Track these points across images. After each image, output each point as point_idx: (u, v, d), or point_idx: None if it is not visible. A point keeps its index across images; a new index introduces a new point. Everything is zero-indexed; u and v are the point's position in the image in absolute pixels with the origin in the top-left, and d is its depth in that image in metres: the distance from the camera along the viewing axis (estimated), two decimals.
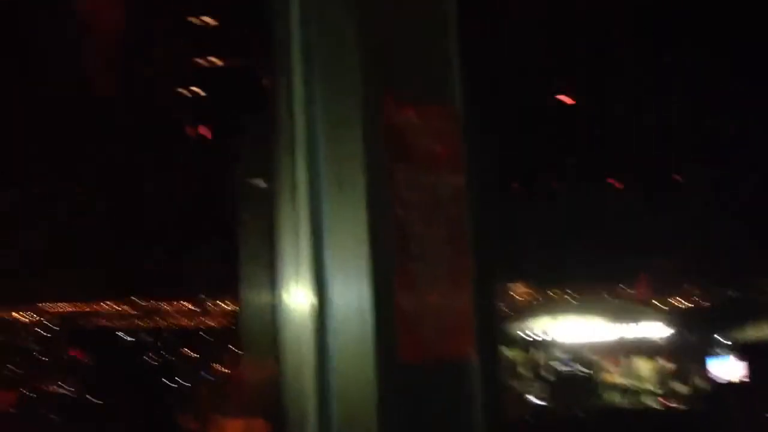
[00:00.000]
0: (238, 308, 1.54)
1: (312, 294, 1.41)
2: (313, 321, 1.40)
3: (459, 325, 1.54)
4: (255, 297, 1.53)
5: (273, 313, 1.45)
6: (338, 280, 1.40)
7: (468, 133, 1.61)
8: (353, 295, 1.38)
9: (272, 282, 1.46)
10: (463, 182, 1.59)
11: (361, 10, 1.48)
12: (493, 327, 1.59)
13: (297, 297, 1.43)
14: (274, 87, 1.49)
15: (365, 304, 1.36)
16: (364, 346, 1.36)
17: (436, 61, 1.61)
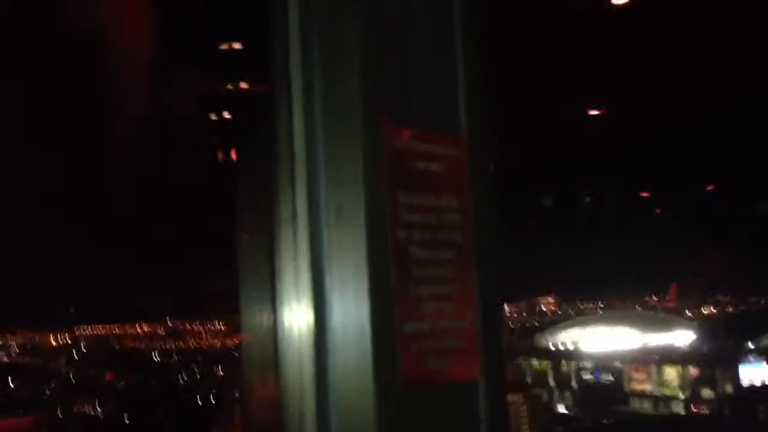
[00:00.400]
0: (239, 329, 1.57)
1: (311, 315, 1.43)
2: (312, 342, 1.42)
3: (463, 347, 1.55)
4: (255, 317, 1.55)
5: (273, 333, 1.47)
6: (338, 303, 1.41)
7: (473, 160, 1.62)
8: (353, 318, 1.39)
9: (272, 303, 1.48)
10: (467, 207, 1.60)
11: (364, 31, 1.48)
12: (498, 349, 1.60)
13: (297, 318, 1.45)
14: (274, 109, 1.51)
15: (365, 326, 1.37)
16: (363, 368, 1.37)
17: (442, 86, 1.62)
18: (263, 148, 1.55)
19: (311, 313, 1.42)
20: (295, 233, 1.45)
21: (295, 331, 1.44)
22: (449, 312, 1.51)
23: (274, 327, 1.47)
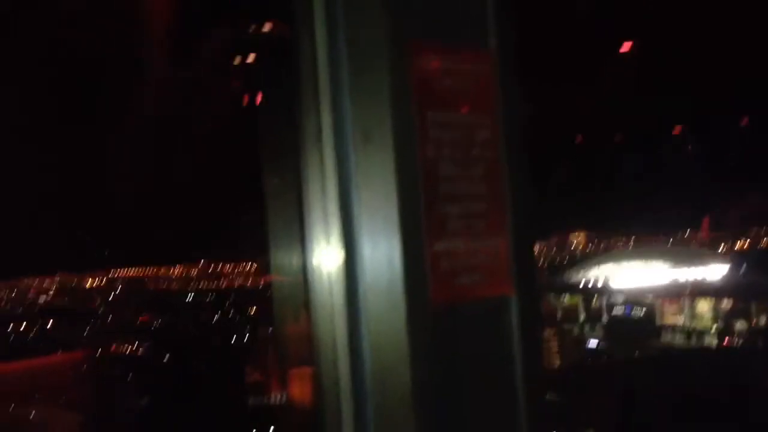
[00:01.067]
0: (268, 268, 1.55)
1: (340, 237, 1.41)
2: (342, 264, 1.41)
3: (495, 264, 1.54)
4: (284, 238, 1.54)
5: (303, 257, 1.46)
6: (366, 224, 1.40)
7: (504, 77, 1.58)
8: (382, 237, 1.38)
9: (300, 224, 1.47)
10: (497, 123, 1.57)
11: None
12: (531, 266, 1.59)
13: (325, 244, 1.44)
14: (296, 34, 1.47)
15: (394, 245, 1.36)
16: (394, 287, 1.37)
17: (469, 1, 1.58)
18: (288, 79, 1.52)
19: (340, 234, 1.41)
20: (321, 158, 1.43)
21: (324, 257, 1.43)
22: (480, 229, 1.50)
23: (303, 250, 1.46)
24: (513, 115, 1.57)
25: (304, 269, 1.48)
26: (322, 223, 1.44)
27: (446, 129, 1.46)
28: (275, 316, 1.57)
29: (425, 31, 1.45)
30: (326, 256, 1.44)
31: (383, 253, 1.38)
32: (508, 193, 1.55)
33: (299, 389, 1.67)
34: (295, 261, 1.49)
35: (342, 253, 1.41)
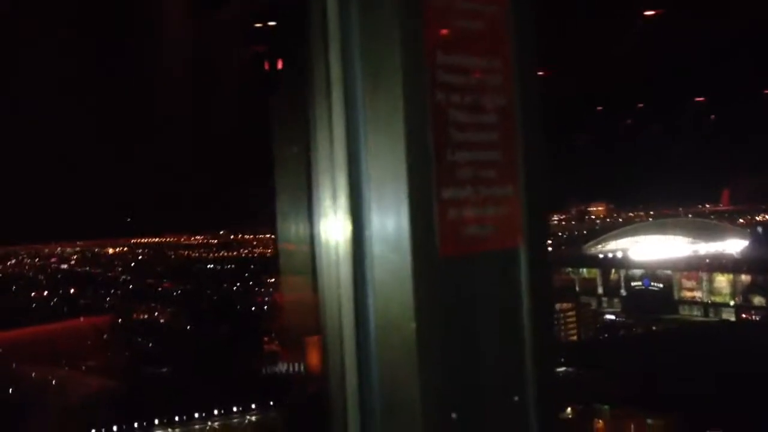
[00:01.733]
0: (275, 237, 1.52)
1: (346, 183, 1.38)
2: (347, 208, 1.37)
3: (505, 215, 1.49)
4: (291, 183, 1.50)
5: (309, 199, 1.42)
6: (373, 170, 1.35)
7: (518, 21, 1.52)
8: (389, 183, 1.33)
9: (307, 171, 1.43)
10: (511, 68, 1.51)
11: None
12: (541, 217, 1.54)
13: (331, 189, 1.40)
14: None
15: (401, 190, 1.32)
16: (400, 233, 1.33)
17: None
18: (298, 27, 1.47)
19: (346, 181, 1.37)
20: (330, 105, 1.39)
21: (331, 205, 1.40)
22: (491, 178, 1.45)
23: (310, 198, 1.42)
24: (527, 61, 1.51)
25: (311, 220, 1.44)
26: (329, 173, 1.40)
27: (457, 73, 1.41)
28: (281, 287, 1.54)
29: None
30: (333, 204, 1.40)
31: (391, 201, 1.34)
32: (521, 142, 1.49)
33: (308, 355, 1.64)
34: (301, 212, 1.46)
35: (348, 200, 1.38)
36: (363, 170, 1.38)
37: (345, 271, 1.41)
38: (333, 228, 1.42)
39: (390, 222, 1.35)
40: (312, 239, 1.45)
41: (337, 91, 1.38)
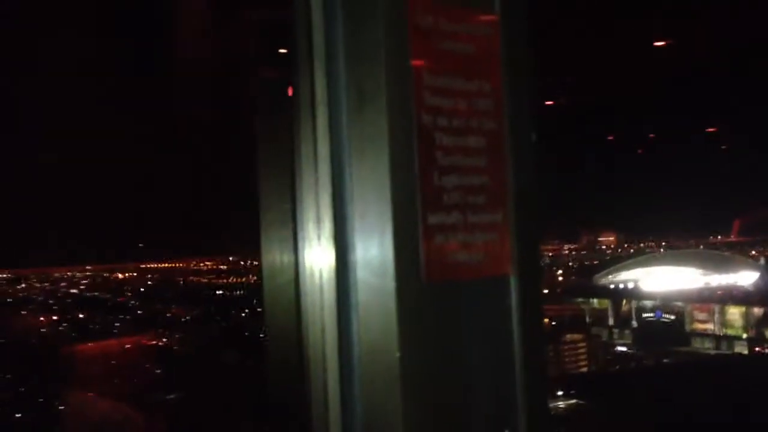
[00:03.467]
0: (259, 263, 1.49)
1: (329, 201, 1.35)
2: (331, 232, 1.34)
3: (494, 241, 1.46)
4: (275, 198, 1.46)
5: (292, 212, 1.39)
6: (357, 189, 1.32)
7: (508, 40, 1.50)
8: (373, 204, 1.30)
9: (292, 184, 1.40)
10: (501, 92, 1.48)
11: None
12: (533, 244, 1.50)
13: (314, 209, 1.38)
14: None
15: (385, 214, 1.28)
16: (384, 259, 1.29)
17: None
18: (282, 41, 1.45)
19: (330, 203, 1.34)
20: (314, 126, 1.37)
21: (314, 225, 1.37)
22: (479, 204, 1.42)
23: (294, 216, 1.39)
24: (520, 85, 1.48)
25: (295, 244, 1.41)
26: (313, 196, 1.37)
27: (445, 96, 1.38)
28: (264, 316, 1.50)
29: None
30: (317, 227, 1.37)
31: (374, 225, 1.30)
32: (512, 167, 1.46)
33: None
34: (285, 232, 1.42)
35: (332, 223, 1.34)
36: (347, 193, 1.35)
37: (329, 296, 1.37)
38: (317, 252, 1.39)
39: (374, 247, 1.31)
40: (296, 263, 1.42)
41: (322, 112, 1.36)
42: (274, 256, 1.45)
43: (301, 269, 1.41)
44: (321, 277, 1.37)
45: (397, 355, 1.28)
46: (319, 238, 1.37)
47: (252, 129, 1.43)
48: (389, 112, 1.29)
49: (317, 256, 1.38)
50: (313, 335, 1.38)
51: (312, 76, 1.36)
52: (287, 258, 1.43)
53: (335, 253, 1.35)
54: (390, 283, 1.28)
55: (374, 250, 1.30)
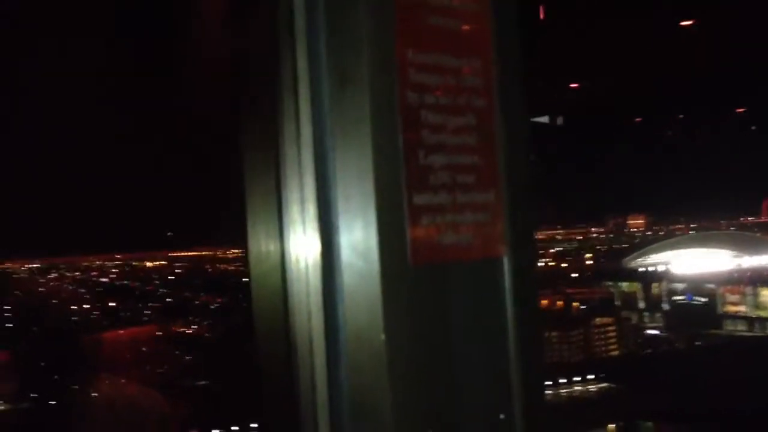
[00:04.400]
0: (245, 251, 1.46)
1: (312, 183, 1.31)
2: (314, 214, 1.31)
3: (486, 222, 1.41)
4: (260, 184, 1.43)
5: (277, 199, 1.36)
6: (340, 171, 1.29)
7: (498, 14, 1.45)
8: (355, 186, 1.26)
9: (276, 173, 1.36)
10: (491, 68, 1.44)
11: None
12: (527, 224, 1.46)
13: (298, 192, 1.34)
14: None
15: (368, 194, 1.25)
16: (367, 240, 1.25)
17: None
18: (264, 29, 1.41)
19: (313, 184, 1.31)
20: (297, 106, 1.33)
21: (297, 206, 1.33)
22: (469, 183, 1.37)
23: (279, 198, 1.36)
24: (510, 61, 1.43)
25: (280, 226, 1.38)
26: (297, 177, 1.34)
27: (431, 72, 1.33)
28: (251, 305, 1.46)
29: None
30: (301, 209, 1.34)
31: (358, 206, 1.26)
32: (503, 146, 1.41)
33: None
34: (271, 217, 1.39)
35: (316, 205, 1.31)
36: (330, 174, 1.31)
37: (314, 281, 1.34)
38: (302, 234, 1.35)
39: (357, 228, 1.28)
40: (281, 247, 1.39)
41: (304, 89, 1.32)
42: (259, 240, 1.42)
43: (286, 254, 1.38)
44: (306, 261, 1.34)
45: (382, 338, 1.25)
46: (303, 221, 1.34)
47: (236, 114, 1.40)
48: (371, 89, 1.25)
49: (302, 240, 1.35)
50: (299, 320, 1.35)
51: (294, 55, 1.32)
52: (273, 242, 1.39)
53: (320, 237, 1.31)
54: (374, 266, 1.25)
55: (358, 233, 1.27)
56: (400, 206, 1.28)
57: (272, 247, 1.40)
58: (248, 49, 1.42)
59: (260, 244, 1.43)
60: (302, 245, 1.36)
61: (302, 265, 1.36)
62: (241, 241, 1.45)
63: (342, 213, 1.30)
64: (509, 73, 1.45)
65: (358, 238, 1.28)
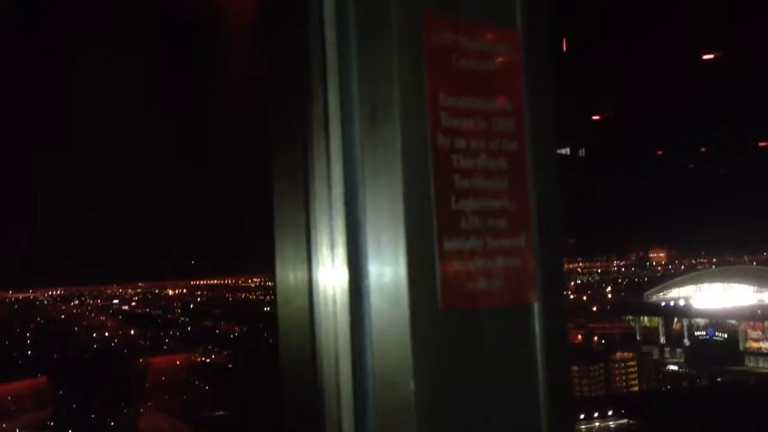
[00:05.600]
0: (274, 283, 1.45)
1: (343, 224, 1.30)
2: (345, 256, 1.30)
3: (516, 268, 1.39)
4: (288, 214, 1.42)
5: (307, 259, 1.35)
6: (371, 213, 1.27)
7: (531, 58, 1.44)
8: (386, 230, 1.25)
9: (305, 207, 1.36)
10: (523, 112, 1.42)
11: None
12: (558, 271, 1.44)
13: (327, 231, 1.33)
14: (303, 7, 1.37)
15: (399, 240, 1.23)
16: (397, 286, 1.24)
17: None
18: (296, 57, 1.41)
19: (343, 226, 1.30)
20: (328, 143, 1.32)
21: (327, 248, 1.32)
22: (500, 229, 1.35)
23: (308, 239, 1.35)
24: (542, 105, 1.42)
25: (309, 267, 1.37)
26: (327, 219, 1.33)
27: (463, 116, 1.32)
28: (279, 335, 1.45)
29: (442, 4, 1.32)
30: (331, 252, 1.33)
31: (388, 249, 1.25)
32: (534, 190, 1.40)
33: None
34: (300, 255, 1.38)
35: (346, 247, 1.30)
36: (361, 216, 1.30)
37: (342, 324, 1.32)
38: (331, 276, 1.34)
39: (388, 272, 1.26)
40: (310, 288, 1.38)
41: (335, 130, 1.32)
42: (288, 280, 1.41)
43: (315, 295, 1.36)
44: (335, 303, 1.32)
45: (412, 386, 1.23)
46: (333, 262, 1.33)
47: (267, 149, 1.40)
48: (403, 133, 1.24)
49: (331, 282, 1.33)
50: (327, 365, 1.34)
51: (325, 95, 1.32)
52: (302, 283, 1.38)
53: (349, 279, 1.30)
54: (404, 311, 1.23)
55: (388, 276, 1.25)
56: (430, 251, 1.27)
57: (300, 288, 1.39)
58: (279, 82, 1.42)
59: (289, 283, 1.41)
60: (331, 287, 1.35)
61: (330, 307, 1.35)
62: (270, 280, 1.44)
63: (372, 256, 1.28)
64: (541, 115, 1.43)
65: (388, 281, 1.26)
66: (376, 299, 1.29)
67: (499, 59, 1.40)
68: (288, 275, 1.43)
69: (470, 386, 1.32)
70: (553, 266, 1.42)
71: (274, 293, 1.43)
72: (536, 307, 1.40)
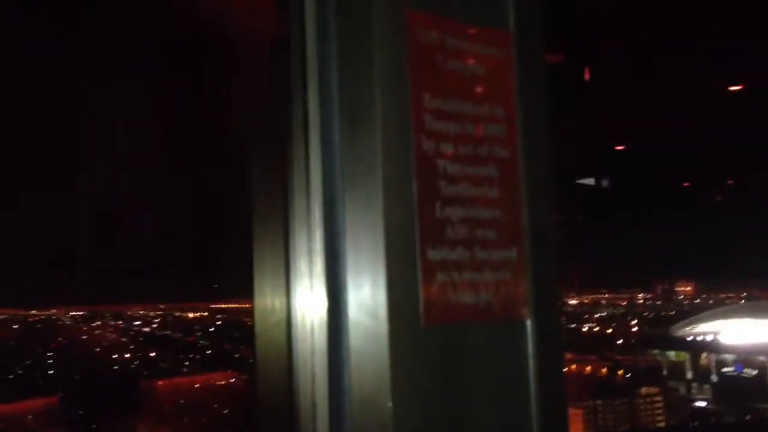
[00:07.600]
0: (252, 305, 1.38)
1: (321, 232, 1.23)
2: (323, 264, 1.22)
3: (507, 281, 1.31)
4: (267, 227, 1.35)
5: (286, 272, 1.28)
6: (351, 219, 1.20)
7: (523, 60, 1.36)
8: (365, 237, 1.17)
9: (285, 212, 1.29)
10: (515, 117, 1.35)
11: None
12: (552, 286, 1.35)
13: (306, 241, 1.26)
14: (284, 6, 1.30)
15: (378, 248, 1.16)
16: (377, 305, 1.16)
17: None
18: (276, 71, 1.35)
19: (321, 236, 1.22)
20: (307, 150, 1.25)
21: (305, 260, 1.25)
22: (490, 240, 1.27)
23: (287, 251, 1.28)
24: (535, 109, 1.34)
25: (287, 281, 1.29)
26: (305, 229, 1.25)
27: (449, 119, 1.25)
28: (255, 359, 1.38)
29: (427, 1, 1.24)
30: (309, 263, 1.25)
31: (367, 261, 1.17)
32: (527, 199, 1.31)
33: None
34: (278, 270, 1.31)
35: (324, 258, 1.22)
36: (339, 224, 1.22)
37: (320, 340, 1.24)
38: (308, 289, 1.26)
39: (366, 284, 1.18)
40: (287, 302, 1.30)
41: (315, 135, 1.25)
42: (265, 294, 1.33)
43: (292, 309, 1.29)
44: (312, 318, 1.24)
45: (389, 405, 1.14)
46: (311, 275, 1.25)
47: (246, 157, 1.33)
48: (383, 135, 1.17)
49: (309, 296, 1.26)
50: (303, 381, 1.26)
51: (305, 98, 1.25)
52: (279, 297, 1.31)
53: (327, 292, 1.22)
54: (383, 326, 1.15)
55: (367, 289, 1.17)
56: (412, 262, 1.18)
57: (278, 302, 1.32)
58: (258, 88, 1.35)
59: (266, 298, 1.34)
60: (309, 301, 1.27)
61: (308, 322, 1.27)
62: (249, 293, 1.37)
63: (350, 267, 1.21)
64: (534, 123, 1.35)
65: (367, 294, 1.18)
66: (354, 313, 1.21)
67: (490, 61, 1.32)
68: (265, 288, 1.35)
69: (453, 407, 1.23)
70: (548, 281, 1.33)
71: (252, 307, 1.36)
72: (529, 324, 1.31)
